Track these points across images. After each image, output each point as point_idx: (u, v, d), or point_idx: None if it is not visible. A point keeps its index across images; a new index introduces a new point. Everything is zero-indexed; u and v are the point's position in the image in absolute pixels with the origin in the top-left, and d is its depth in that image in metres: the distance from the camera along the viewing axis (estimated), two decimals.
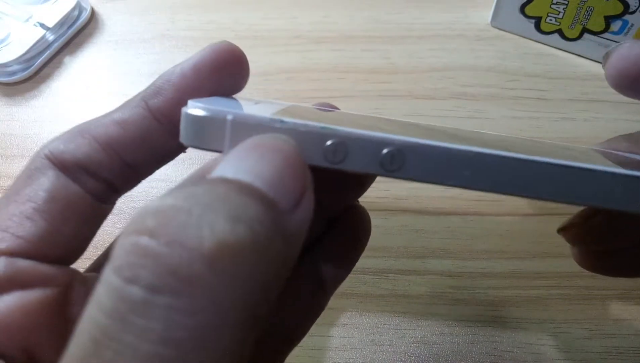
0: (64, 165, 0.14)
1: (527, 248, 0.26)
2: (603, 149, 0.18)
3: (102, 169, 0.14)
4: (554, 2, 0.30)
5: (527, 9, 0.32)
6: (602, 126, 0.30)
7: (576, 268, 0.25)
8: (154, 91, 0.15)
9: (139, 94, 0.15)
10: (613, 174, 0.12)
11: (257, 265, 0.09)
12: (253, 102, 0.15)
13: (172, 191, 0.10)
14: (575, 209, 0.19)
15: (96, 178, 0.14)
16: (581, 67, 0.32)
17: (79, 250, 0.14)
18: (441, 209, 0.27)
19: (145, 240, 0.09)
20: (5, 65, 0.32)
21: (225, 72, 0.14)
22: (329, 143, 0.12)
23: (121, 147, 0.14)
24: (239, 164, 0.11)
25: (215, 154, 0.12)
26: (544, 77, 0.32)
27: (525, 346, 0.23)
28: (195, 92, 0.14)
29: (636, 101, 0.33)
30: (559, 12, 0.31)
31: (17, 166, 0.30)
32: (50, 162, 0.14)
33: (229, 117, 0.12)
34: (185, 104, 0.13)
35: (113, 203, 0.16)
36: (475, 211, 0.27)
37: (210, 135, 0.12)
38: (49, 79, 0.33)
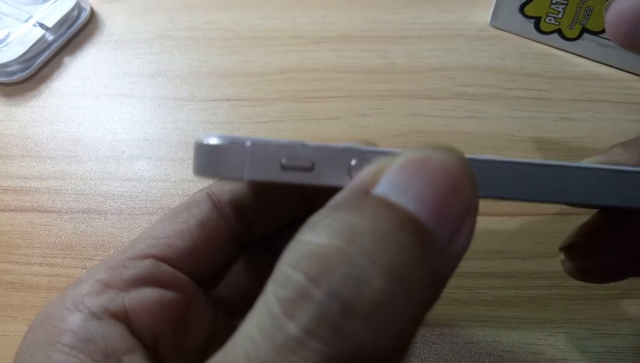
0: (220, 202, 0.17)
1: (527, 248, 0.26)
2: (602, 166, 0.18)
3: (248, 209, 0.17)
4: (554, 2, 0.30)
5: (527, 9, 0.32)
6: (601, 126, 0.30)
7: None
8: None
9: None
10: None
11: (405, 317, 0.10)
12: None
13: (334, 218, 0.10)
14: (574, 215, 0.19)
15: (240, 217, 0.17)
16: (581, 67, 0.32)
17: (208, 270, 0.17)
18: None
19: (306, 284, 0.10)
20: (5, 65, 0.32)
21: None
22: (353, 162, 0.12)
23: (268, 193, 0.17)
24: (404, 186, 0.11)
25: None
26: (544, 77, 0.32)
27: (525, 346, 0.23)
28: None
29: (636, 100, 0.33)
30: (559, 12, 0.31)
31: (17, 166, 0.30)
32: (209, 198, 0.17)
33: (248, 143, 0.12)
34: None
35: (243, 247, 0.18)
36: None
37: (229, 163, 0.12)
38: (49, 79, 0.33)
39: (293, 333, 0.09)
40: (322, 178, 0.12)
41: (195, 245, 0.16)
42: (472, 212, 0.11)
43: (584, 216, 0.19)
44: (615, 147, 0.18)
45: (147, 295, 0.15)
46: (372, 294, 0.09)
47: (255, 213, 0.17)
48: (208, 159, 0.13)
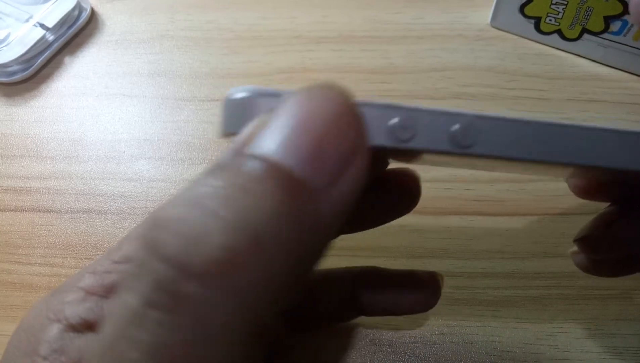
0: None
1: (527, 248, 0.26)
2: None
3: None
4: (554, 2, 0.30)
5: (527, 9, 0.32)
6: None
7: (576, 267, 0.25)
8: None
9: None
10: None
11: (260, 273, 0.09)
12: None
13: (191, 186, 0.10)
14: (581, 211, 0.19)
15: None
16: (581, 67, 0.32)
17: None
18: (441, 209, 0.27)
19: (144, 254, 0.09)
20: (5, 65, 0.32)
21: None
22: (394, 120, 0.11)
23: None
24: (275, 134, 0.10)
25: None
26: (544, 77, 0.32)
27: (525, 346, 0.23)
28: None
29: (636, 101, 0.33)
30: (559, 12, 0.31)
31: (17, 166, 0.30)
32: None
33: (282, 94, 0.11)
34: None
35: None
36: (475, 211, 0.27)
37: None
38: (49, 79, 0.33)
39: (134, 306, 0.09)
40: None
41: None
42: (358, 151, 0.10)
43: (584, 216, 0.19)
44: None
45: None
46: (210, 251, 0.08)
47: None
48: (238, 115, 0.11)
